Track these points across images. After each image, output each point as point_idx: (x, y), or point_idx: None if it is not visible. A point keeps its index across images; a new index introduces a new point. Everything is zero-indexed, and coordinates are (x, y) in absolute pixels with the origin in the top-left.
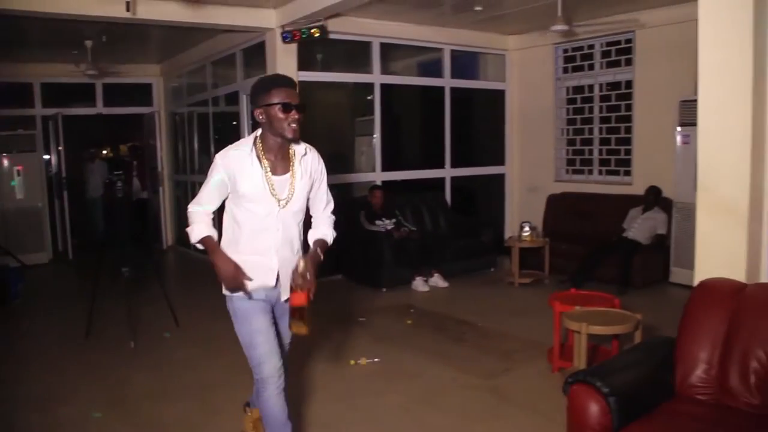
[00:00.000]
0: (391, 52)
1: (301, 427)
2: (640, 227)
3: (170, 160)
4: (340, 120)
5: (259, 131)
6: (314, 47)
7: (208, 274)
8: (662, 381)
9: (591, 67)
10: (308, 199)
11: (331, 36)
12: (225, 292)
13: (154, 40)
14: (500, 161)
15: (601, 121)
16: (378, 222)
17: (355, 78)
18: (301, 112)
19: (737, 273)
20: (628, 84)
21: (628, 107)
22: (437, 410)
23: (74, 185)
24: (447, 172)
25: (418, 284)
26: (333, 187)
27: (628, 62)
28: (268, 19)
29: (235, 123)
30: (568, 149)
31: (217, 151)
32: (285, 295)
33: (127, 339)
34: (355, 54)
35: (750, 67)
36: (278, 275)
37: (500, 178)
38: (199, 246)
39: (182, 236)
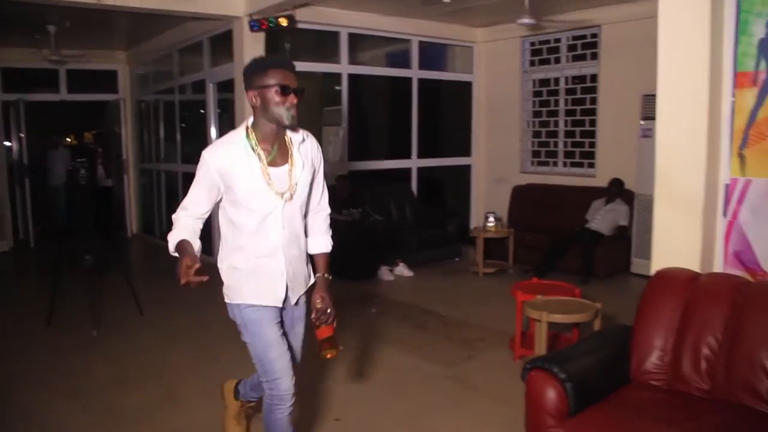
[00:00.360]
0: (359, 42)
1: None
2: (602, 219)
3: (136, 148)
4: (307, 109)
5: (250, 120)
6: (282, 36)
7: (173, 262)
8: (618, 367)
9: (557, 60)
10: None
11: (300, 26)
12: (227, 300)
13: (119, 26)
14: (467, 152)
15: (566, 113)
16: (344, 212)
17: (323, 68)
18: (299, 96)
19: (692, 263)
20: (593, 78)
21: (593, 101)
22: (400, 398)
23: (36, 172)
24: (414, 163)
25: (384, 273)
26: None
27: (594, 56)
28: (236, 7)
29: (202, 111)
30: (533, 141)
31: (183, 140)
32: (295, 298)
33: (90, 327)
34: (323, 44)
35: (707, 65)
36: (286, 286)
37: (466, 169)
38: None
39: (147, 224)
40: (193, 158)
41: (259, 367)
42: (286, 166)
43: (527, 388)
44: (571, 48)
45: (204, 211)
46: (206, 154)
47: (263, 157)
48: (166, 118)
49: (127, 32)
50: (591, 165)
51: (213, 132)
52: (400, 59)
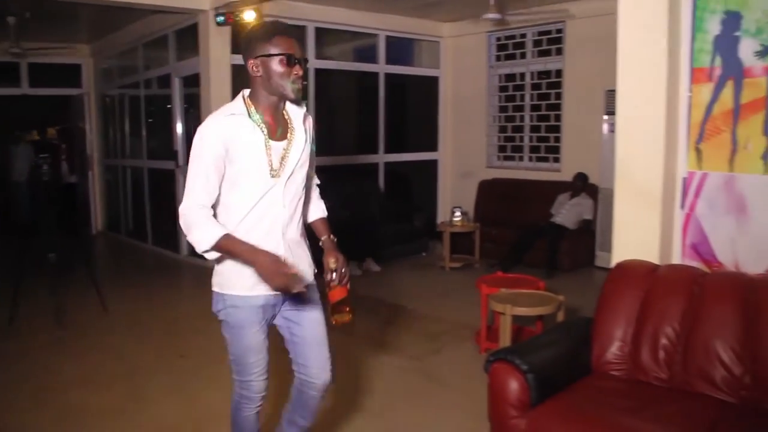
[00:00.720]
0: (326, 36)
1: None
2: (567, 213)
3: (100, 144)
4: None
5: (246, 91)
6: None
7: (139, 259)
8: (580, 358)
9: (523, 55)
10: None
11: (266, 20)
12: (216, 288)
13: (82, 18)
14: (433, 147)
15: (531, 108)
16: None
17: None
18: (303, 67)
19: (651, 255)
20: (558, 73)
21: (558, 96)
22: (366, 392)
23: None
24: (381, 158)
25: (351, 268)
26: None
27: (559, 52)
28: (201, 0)
29: (169, 106)
30: (499, 136)
31: (149, 135)
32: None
33: (54, 326)
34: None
35: (664, 61)
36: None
37: (433, 164)
38: (212, 255)
39: (112, 221)
40: (160, 154)
41: (233, 365)
42: (286, 141)
43: (490, 380)
44: (537, 43)
45: (213, 200)
46: (208, 128)
47: (265, 130)
48: (132, 113)
49: (91, 25)
50: (556, 160)
51: (179, 127)
52: (368, 54)
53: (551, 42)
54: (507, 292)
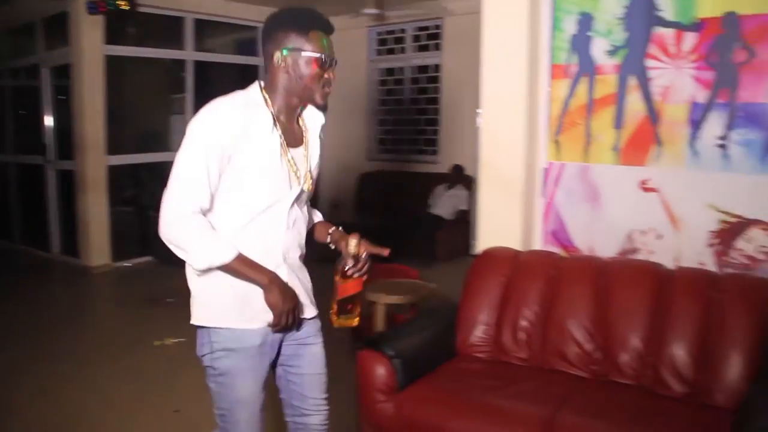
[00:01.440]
0: (209, 28)
1: (107, 408)
2: (444, 204)
3: None
4: (154, 97)
5: (260, 83)
6: (128, 20)
7: (6, 259)
8: (445, 342)
9: (403, 50)
10: None
11: (142, 9)
12: (202, 322)
13: None
14: None
15: (411, 102)
16: None
17: (166, 54)
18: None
19: (514, 242)
20: (437, 68)
21: (436, 90)
22: None
23: None
24: None
25: None
26: (146, 167)
27: (437, 47)
28: None
29: (37, 98)
30: (379, 129)
31: (18, 130)
32: (309, 312)
33: None
34: (171, 29)
35: (525, 57)
36: None
37: None
38: (203, 272)
39: None
40: (28, 148)
41: (220, 421)
42: (301, 148)
43: (358, 366)
44: (416, 38)
45: (210, 202)
46: (217, 113)
47: (281, 132)
48: None
49: None
50: (434, 152)
51: (49, 120)
52: (250, 46)
53: (430, 37)
54: (381, 281)
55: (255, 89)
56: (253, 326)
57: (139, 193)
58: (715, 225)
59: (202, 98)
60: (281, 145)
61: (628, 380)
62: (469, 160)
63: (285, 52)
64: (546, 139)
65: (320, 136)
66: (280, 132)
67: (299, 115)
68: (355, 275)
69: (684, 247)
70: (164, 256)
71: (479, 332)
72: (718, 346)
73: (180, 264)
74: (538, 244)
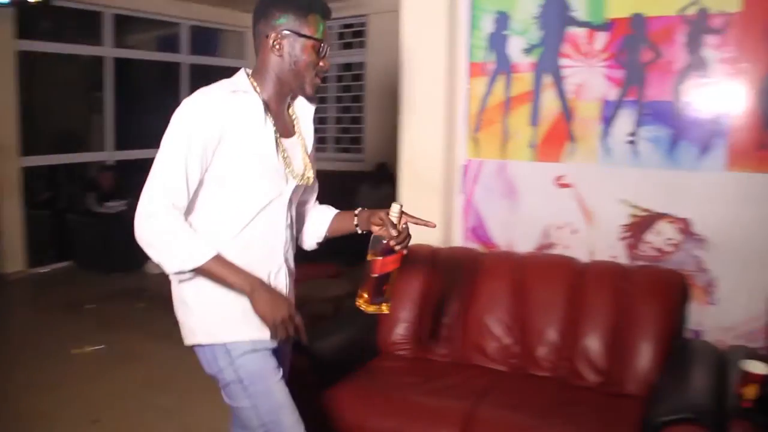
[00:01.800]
0: (129, 24)
1: (17, 420)
2: (369, 202)
3: None
4: (73, 95)
5: (248, 70)
6: (42, 14)
7: None
8: (367, 342)
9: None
10: None
11: (58, 3)
12: (205, 339)
13: None
14: None
15: (336, 100)
16: (107, 204)
17: (83, 50)
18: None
19: (434, 239)
20: (361, 66)
21: (360, 88)
22: (162, 391)
23: None
24: None
25: (152, 266)
26: (64, 168)
27: (361, 45)
28: None
29: None
30: None
31: None
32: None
33: None
34: (89, 24)
35: (444, 55)
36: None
37: None
38: (184, 277)
39: None
40: None
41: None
42: (294, 138)
43: None
44: (341, 36)
45: (188, 201)
46: (201, 103)
47: (272, 122)
48: None
49: None
50: (359, 150)
51: None
52: (172, 43)
53: (355, 35)
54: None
55: (241, 76)
56: (264, 335)
57: (57, 195)
58: (626, 219)
59: (123, 96)
60: (275, 138)
61: (546, 372)
62: (393, 158)
63: (281, 34)
64: (465, 136)
65: (312, 128)
66: (273, 121)
67: (289, 105)
68: (397, 248)
69: (598, 240)
70: (84, 260)
71: (401, 330)
72: (629, 336)
73: (101, 268)
74: (458, 240)
